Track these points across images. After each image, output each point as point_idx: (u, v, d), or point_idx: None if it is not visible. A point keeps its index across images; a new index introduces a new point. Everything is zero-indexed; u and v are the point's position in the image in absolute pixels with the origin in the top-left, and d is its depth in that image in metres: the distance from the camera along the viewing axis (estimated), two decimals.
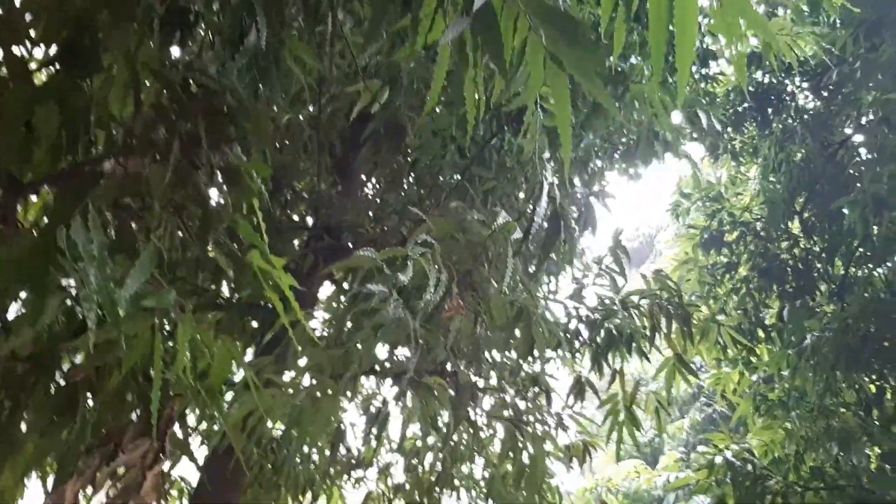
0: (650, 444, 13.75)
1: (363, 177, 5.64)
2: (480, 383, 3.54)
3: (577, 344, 5.39)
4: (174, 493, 5.07)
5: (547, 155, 2.84)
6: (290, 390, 2.69)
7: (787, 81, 8.51)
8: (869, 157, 6.10)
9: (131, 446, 1.80)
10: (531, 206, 2.18)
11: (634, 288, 5.08)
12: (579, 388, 5.29)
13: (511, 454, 3.72)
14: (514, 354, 4.89)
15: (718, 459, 5.67)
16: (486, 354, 4.29)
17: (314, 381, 2.76)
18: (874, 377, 6.44)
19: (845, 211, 7.39)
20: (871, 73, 5.91)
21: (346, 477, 6.24)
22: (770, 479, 5.65)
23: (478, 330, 2.37)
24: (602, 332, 5.16)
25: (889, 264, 7.11)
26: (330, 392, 2.70)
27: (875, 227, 5.69)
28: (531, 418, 5.45)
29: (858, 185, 6.44)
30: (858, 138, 7.41)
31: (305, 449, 5.45)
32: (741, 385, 6.92)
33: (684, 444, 11.95)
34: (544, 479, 5.20)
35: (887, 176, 5.23)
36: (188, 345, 1.72)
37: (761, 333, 7.10)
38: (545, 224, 2.01)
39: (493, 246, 2.29)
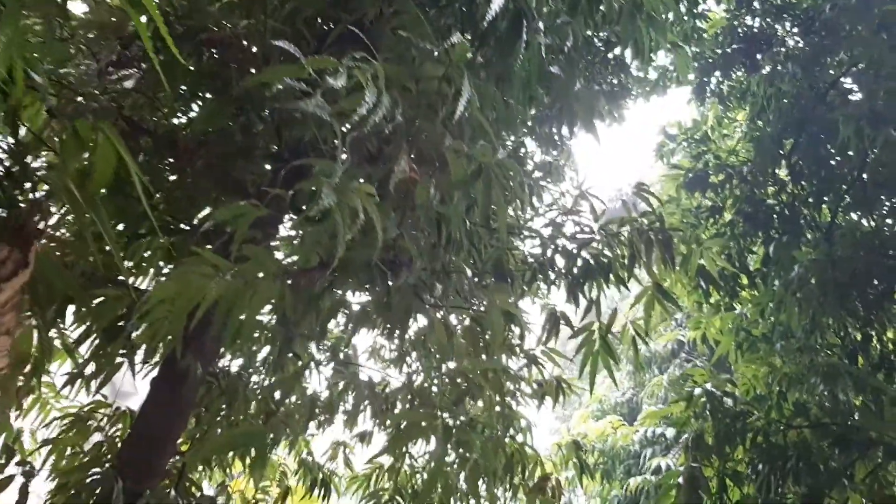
0: (628, 404, 13.59)
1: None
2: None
3: (552, 275, 5.15)
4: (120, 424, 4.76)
5: None
6: (225, 271, 2.36)
7: (776, 26, 8.21)
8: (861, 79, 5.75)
9: None
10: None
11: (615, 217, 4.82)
12: (554, 323, 5.02)
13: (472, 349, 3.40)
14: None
15: (697, 391, 5.42)
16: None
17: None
18: (860, 324, 6.21)
19: (835, 159, 7.13)
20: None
21: (310, 421, 5.98)
22: (751, 416, 5.41)
23: (432, 192, 2.06)
24: (579, 262, 4.91)
25: (877, 214, 6.87)
26: (270, 272, 2.38)
27: (870, 151, 5.39)
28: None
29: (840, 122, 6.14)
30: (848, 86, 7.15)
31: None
32: (723, 323, 6.65)
33: (664, 402, 11.73)
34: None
35: (884, 91, 4.92)
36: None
37: (745, 280, 6.85)
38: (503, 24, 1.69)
39: (448, 88, 1.97)
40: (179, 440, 4.34)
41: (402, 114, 1.94)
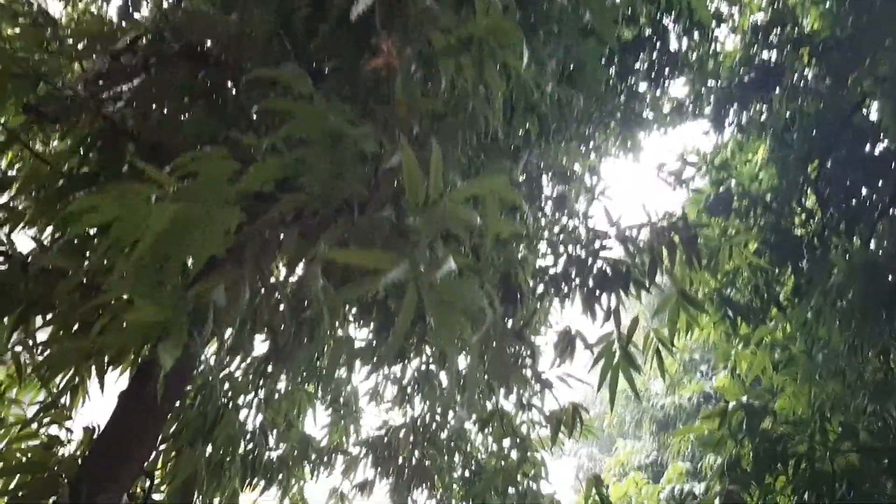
0: (652, 467, 12.78)
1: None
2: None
3: (565, 288, 4.77)
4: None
5: None
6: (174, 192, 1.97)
7: (794, 58, 7.96)
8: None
9: None
10: None
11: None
12: (568, 343, 4.59)
13: None
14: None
15: (733, 404, 4.84)
16: None
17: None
18: None
19: (866, 184, 6.74)
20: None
21: (306, 466, 5.55)
22: (793, 440, 4.82)
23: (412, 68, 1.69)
24: (594, 271, 4.54)
25: None
26: (228, 200, 2.00)
27: None
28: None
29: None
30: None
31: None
32: (756, 338, 6.04)
33: (690, 458, 10.93)
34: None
35: None
36: None
37: (774, 312, 6.34)
38: None
39: None
40: (152, 453, 3.89)
41: None
